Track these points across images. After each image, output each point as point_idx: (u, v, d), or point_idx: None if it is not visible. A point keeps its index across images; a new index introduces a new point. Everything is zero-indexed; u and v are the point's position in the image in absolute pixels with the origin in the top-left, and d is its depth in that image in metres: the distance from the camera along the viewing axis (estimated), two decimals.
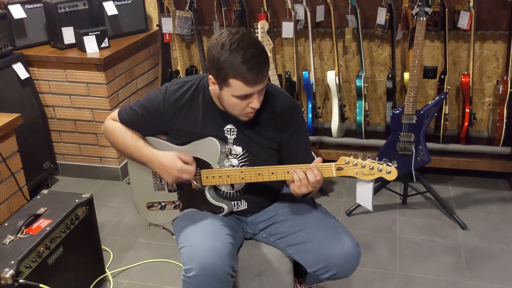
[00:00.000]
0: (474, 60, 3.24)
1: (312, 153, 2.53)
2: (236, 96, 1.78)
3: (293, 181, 1.84)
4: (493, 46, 3.30)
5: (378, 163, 1.77)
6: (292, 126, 1.98)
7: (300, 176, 1.82)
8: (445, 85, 3.22)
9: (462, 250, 2.81)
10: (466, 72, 3.24)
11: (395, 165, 1.76)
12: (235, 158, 1.98)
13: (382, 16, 3.23)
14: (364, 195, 1.89)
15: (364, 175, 1.79)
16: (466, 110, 3.22)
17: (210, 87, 1.89)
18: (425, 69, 3.32)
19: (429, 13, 2.80)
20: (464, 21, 3.10)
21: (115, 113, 2.07)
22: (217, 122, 1.95)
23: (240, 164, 1.98)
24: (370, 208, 1.91)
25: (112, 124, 2.06)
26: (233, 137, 1.97)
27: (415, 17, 2.80)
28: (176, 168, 1.93)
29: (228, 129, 1.96)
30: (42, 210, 2.32)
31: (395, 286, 2.56)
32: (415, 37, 2.79)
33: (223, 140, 1.97)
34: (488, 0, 3.13)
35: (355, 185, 1.89)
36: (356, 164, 1.78)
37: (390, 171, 1.75)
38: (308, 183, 1.82)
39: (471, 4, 3.06)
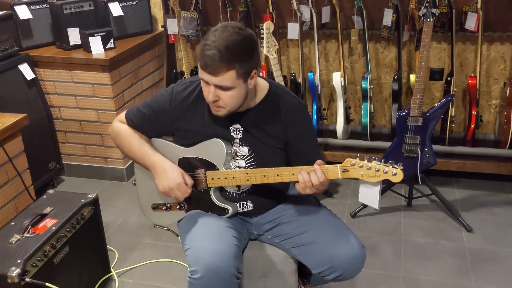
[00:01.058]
0: (481, 62, 3.23)
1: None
2: (200, 78, 1.83)
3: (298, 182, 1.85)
4: (500, 48, 3.29)
5: (384, 165, 1.76)
6: (299, 125, 1.98)
7: (304, 178, 1.82)
8: (451, 87, 3.21)
9: (468, 253, 2.79)
10: (473, 74, 3.23)
11: (401, 167, 1.76)
12: (241, 159, 1.98)
13: (388, 17, 3.23)
14: (369, 195, 1.89)
15: (369, 177, 1.79)
16: (473, 112, 3.21)
17: None
18: (431, 71, 3.31)
19: (436, 14, 2.79)
20: (472, 22, 3.09)
21: (122, 115, 2.07)
22: (224, 121, 1.96)
23: (247, 165, 1.98)
24: (376, 207, 1.90)
25: (120, 126, 2.07)
26: (239, 136, 1.97)
27: (422, 18, 2.80)
28: (176, 181, 1.95)
29: (235, 129, 1.97)
30: (48, 209, 2.33)
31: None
32: (421, 39, 2.79)
33: (229, 139, 1.97)
34: (496, 1, 3.12)
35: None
36: (362, 166, 1.78)
37: (395, 173, 1.75)
38: (312, 186, 1.82)
39: (479, 5, 3.05)
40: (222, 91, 1.80)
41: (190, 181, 1.99)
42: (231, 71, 1.75)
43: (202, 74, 1.79)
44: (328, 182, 1.86)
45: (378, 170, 1.76)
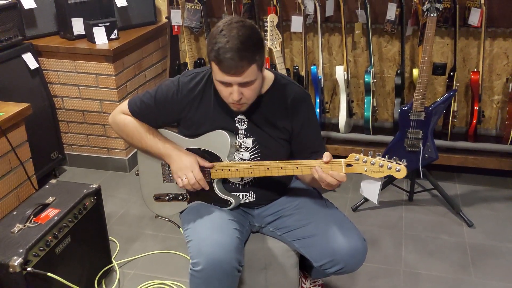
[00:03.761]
0: (484, 58, 3.23)
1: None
2: (217, 81, 1.81)
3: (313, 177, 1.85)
4: (503, 44, 3.29)
5: (388, 161, 1.77)
6: (303, 116, 1.98)
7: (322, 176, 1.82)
8: (454, 82, 3.21)
9: (468, 248, 2.80)
10: (475, 70, 3.23)
11: (405, 164, 1.76)
12: (246, 151, 1.99)
13: (392, 11, 3.22)
14: (370, 189, 1.89)
15: (373, 172, 1.79)
16: (475, 107, 3.21)
17: None
18: (434, 66, 3.31)
19: (440, 9, 2.78)
20: (475, 18, 3.09)
21: (124, 106, 2.06)
22: (229, 112, 1.95)
23: (251, 157, 1.99)
24: (375, 201, 1.91)
25: (124, 118, 2.05)
26: (244, 127, 1.97)
27: (426, 13, 2.79)
28: (193, 168, 1.95)
29: (240, 119, 1.97)
30: (50, 199, 2.34)
31: (400, 282, 2.57)
32: (425, 33, 2.78)
33: (234, 130, 1.98)
34: None
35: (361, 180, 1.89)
36: (366, 162, 1.78)
37: (399, 169, 1.75)
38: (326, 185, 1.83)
39: (482, 0, 3.04)
40: (244, 87, 1.79)
41: (208, 164, 1.98)
42: (253, 65, 1.75)
43: (223, 77, 1.76)
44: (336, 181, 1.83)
45: (382, 166, 1.76)
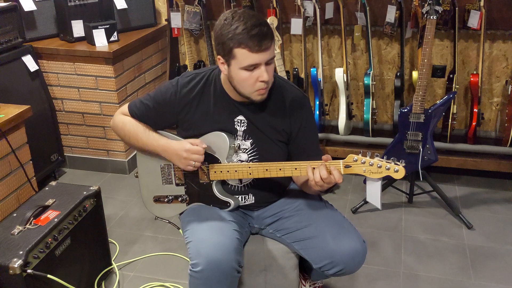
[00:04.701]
0: (484, 60, 3.24)
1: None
2: (244, 68, 1.79)
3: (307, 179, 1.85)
4: (502, 46, 3.29)
5: (386, 162, 1.77)
6: (302, 118, 1.98)
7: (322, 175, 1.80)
8: (453, 85, 3.21)
9: (468, 250, 2.80)
10: (475, 72, 3.24)
11: (403, 164, 1.77)
12: (244, 152, 1.99)
13: (391, 14, 3.23)
14: (373, 193, 1.90)
15: (372, 173, 1.79)
16: (474, 109, 3.21)
17: (220, 72, 1.91)
18: (434, 68, 3.31)
19: (440, 11, 2.79)
20: (474, 20, 3.09)
21: (125, 108, 2.07)
22: (228, 113, 1.96)
23: (249, 159, 1.99)
24: (379, 206, 1.92)
25: (123, 118, 2.07)
26: (243, 129, 1.97)
27: (425, 15, 2.79)
28: (184, 148, 1.92)
29: (239, 121, 1.97)
30: (50, 201, 2.34)
31: (400, 284, 2.57)
32: (424, 36, 2.79)
33: (233, 132, 1.98)
34: None
35: (362, 183, 1.90)
36: (364, 162, 1.78)
37: (397, 169, 1.76)
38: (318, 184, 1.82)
39: (482, 3, 3.05)
40: (269, 66, 1.81)
41: (196, 140, 1.94)
42: (273, 40, 1.79)
43: (253, 58, 1.76)
44: (331, 180, 1.82)
45: (380, 167, 1.77)
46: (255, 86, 1.82)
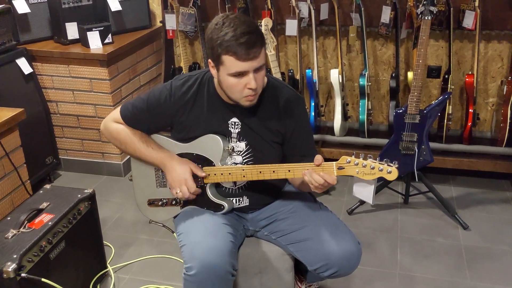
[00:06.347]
0: (479, 60, 3.24)
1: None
2: (231, 75, 1.78)
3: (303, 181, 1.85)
4: (498, 46, 3.29)
5: (379, 163, 1.77)
6: (296, 118, 1.98)
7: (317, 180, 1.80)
8: (449, 85, 3.21)
9: (464, 251, 2.80)
10: (470, 72, 3.23)
11: (396, 165, 1.76)
12: (238, 155, 1.98)
13: (386, 14, 3.22)
14: (364, 191, 1.89)
15: (365, 174, 1.79)
16: (470, 110, 3.21)
17: (212, 75, 1.90)
18: (429, 69, 3.31)
19: (434, 12, 2.78)
20: (469, 20, 3.09)
21: (116, 114, 2.05)
22: (222, 116, 1.96)
23: (244, 161, 1.98)
24: (370, 202, 1.91)
25: (116, 127, 2.04)
26: (237, 131, 1.97)
27: (420, 16, 2.79)
28: (185, 177, 1.95)
29: (233, 123, 1.97)
30: (44, 204, 2.33)
31: (396, 285, 2.56)
32: (419, 36, 2.78)
33: (226, 134, 1.97)
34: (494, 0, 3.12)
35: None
36: (357, 164, 1.78)
37: (390, 171, 1.75)
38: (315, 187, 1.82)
39: (477, 3, 3.04)
40: (258, 73, 1.80)
41: (200, 173, 1.97)
42: (263, 47, 1.78)
43: (240, 66, 1.75)
44: (325, 183, 1.81)
45: (373, 168, 1.76)
46: (243, 93, 1.82)
